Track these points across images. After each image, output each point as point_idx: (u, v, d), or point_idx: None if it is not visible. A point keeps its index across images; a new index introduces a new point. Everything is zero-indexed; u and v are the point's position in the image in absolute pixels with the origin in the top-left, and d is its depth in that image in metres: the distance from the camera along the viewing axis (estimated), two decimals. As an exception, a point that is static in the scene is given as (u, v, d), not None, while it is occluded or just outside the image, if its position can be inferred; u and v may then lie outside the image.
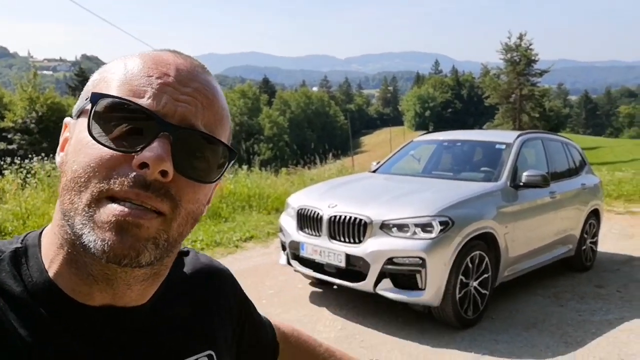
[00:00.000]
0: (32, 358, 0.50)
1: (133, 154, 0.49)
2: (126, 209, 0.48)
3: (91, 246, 0.49)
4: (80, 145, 0.51)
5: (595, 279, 5.13)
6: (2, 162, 8.18)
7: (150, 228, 0.50)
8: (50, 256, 0.55)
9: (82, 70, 48.34)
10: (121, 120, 0.50)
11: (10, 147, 21.59)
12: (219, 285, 0.75)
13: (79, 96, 0.57)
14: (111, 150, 0.49)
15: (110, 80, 0.54)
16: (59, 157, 0.56)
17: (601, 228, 5.90)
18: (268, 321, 0.86)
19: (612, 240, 6.74)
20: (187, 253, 0.74)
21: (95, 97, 0.51)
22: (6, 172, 7.77)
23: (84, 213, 0.49)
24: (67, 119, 0.59)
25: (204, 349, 0.66)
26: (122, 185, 0.48)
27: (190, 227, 0.56)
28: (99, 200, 0.49)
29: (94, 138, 0.50)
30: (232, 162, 0.58)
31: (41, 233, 0.59)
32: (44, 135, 22.82)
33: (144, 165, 0.49)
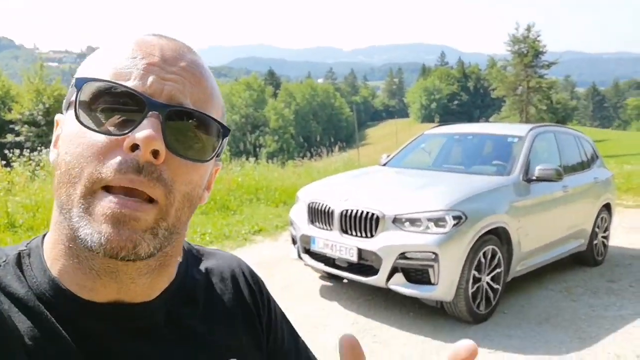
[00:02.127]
0: (39, 358, 0.49)
1: (123, 137, 0.48)
2: (122, 201, 0.47)
3: (88, 239, 0.47)
4: (70, 136, 0.50)
5: (607, 273, 5.09)
6: (11, 155, 8.21)
7: (148, 219, 0.49)
8: (52, 255, 0.54)
9: (88, 62, 48.14)
10: (109, 104, 0.49)
11: (17, 139, 21.68)
12: (245, 286, 0.72)
13: None
14: (102, 136, 0.48)
15: (94, 67, 0.52)
16: (52, 154, 0.55)
17: (612, 222, 5.85)
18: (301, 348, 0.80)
19: (622, 234, 6.68)
20: (198, 252, 0.71)
21: (80, 82, 0.50)
22: (15, 165, 7.81)
23: (79, 205, 0.48)
24: (58, 116, 0.57)
25: (228, 356, 0.62)
26: (115, 171, 0.47)
27: (189, 211, 0.54)
28: (93, 190, 0.48)
29: (82, 124, 0.49)
30: (226, 138, 0.56)
31: (45, 236, 0.58)
32: (51, 127, 22.81)
33: (135, 147, 0.47)
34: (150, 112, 0.48)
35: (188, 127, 0.52)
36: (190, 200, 0.53)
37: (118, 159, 0.47)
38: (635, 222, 7.57)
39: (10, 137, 21.83)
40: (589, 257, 5.31)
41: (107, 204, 0.47)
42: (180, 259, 0.65)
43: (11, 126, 23.10)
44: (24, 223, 5.72)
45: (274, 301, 0.78)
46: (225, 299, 0.67)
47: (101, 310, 0.53)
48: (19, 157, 8.03)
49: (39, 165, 7.78)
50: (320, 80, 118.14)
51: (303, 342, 0.81)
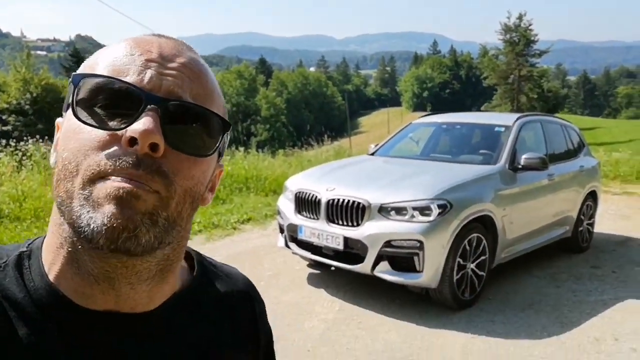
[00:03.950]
0: None
1: (121, 131, 0.48)
2: (122, 181, 0.47)
3: (91, 223, 0.47)
4: (69, 133, 0.50)
5: (591, 259, 5.17)
6: (-3, 145, 8.11)
7: (147, 201, 0.48)
8: (50, 259, 0.53)
9: (77, 50, 47.36)
10: (107, 99, 0.49)
11: (4, 128, 21.41)
12: (251, 310, 0.71)
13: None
14: (99, 131, 0.48)
15: (94, 65, 0.52)
16: (52, 157, 0.55)
17: (598, 209, 5.92)
18: None
19: (608, 221, 6.78)
20: (211, 267, 0.69)
21: (77, 78, 0.50)
22: (1, 155, 7.72)
23: (79, 195, 0.48)
24: (58, 120, 0.57)
25: None
26: (114, 165, 0.47)
27: (190, 208, 0.53)
28: (92, 181, 0.47)
29: (79, 120, 0.49)
30: (227, 134, 0.56)
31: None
32: (38, 116, 22.60)
33: (133, 141, 0.47)
34: (149, 107, 0.48)
35: (187, 121, 0.51)
36: (192, 196, 0.53)
37: (116, 153, 0.47)
38: (621, 209, 7.68)
39: (-3, 127, 21.57)
40: (574, 243, 5.38)
41: (108, 185, 0.47)
42: (184, 265, 0.63)
43: (-2, 115, 22.79)
44: (10, 213, 5.68)
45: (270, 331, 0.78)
46: (229, 322, 0.66)
47: (98, 319, 0.52)
48: (5, 147, 7.94)
49: (25, 155, 7.70)
50: (312, 69, 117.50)
51: None
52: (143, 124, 0.47)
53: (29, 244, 0.57)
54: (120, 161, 0.47)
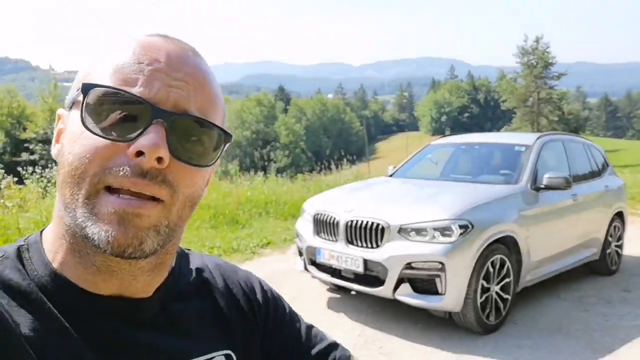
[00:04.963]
0: (41, 350, 0.49)
1: (128, 142, 0.50)
2: (125, 201, 0.49)
3: (95, 238, 0.49)
4: (74, 136, 0.52)
5: (621, 283, 4.97)
6: (24, 172, 8.35)
7: (150, 216, 0.51)
8: (54, 248, 0.55)
9: (101, 81, 49.03)
10: (114, 109, 0.51)
11: (32, 157, 22.06)
12: (238, 284, 0.74)
13: None
14: (106, 140, 0.50)
15: (101, 70, 0.54)
16: (54, 149, 0.57)
17: (626, 231, 5.73)
18: (321, 335, 0.80)
19: (637, 244, 6.55)
20: (184, 250, 0.73)
21: (87, 88, 0.51)
22: (28, 182, 7.93)
23: (84, 205, 0.50)
24: (60, 110, 0.59)
25: (221, 348, 0.65)
26: (119, 175, 0.49)
27: (189, 210, 0.56)
28: (97, 191, 0.50)
29: (87, 129, 0.50)
30: (228, 144, 0.58)
31: (42, 232, 0.59)
32: (64, 145, 23.32)
33: (140, 153, 0.49)
34: (156, 120, 0.50)
35: (191, 134, 0.54)
36: (191, 200, 0.56)
37: (122, 162, 0.49)
38: (650, 231, 7.42)
39: (25, 156, 22.23)
40: (602, 266, 5.20)
41: (111, 203, 0.49)
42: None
43: (26, 145, 23.53)
44: (34, 238, 5.78)
45: (276, 297, 0.79)
46: (216, 296, 0.69)
47: (103, 303, 0.55)
48: (31, 174, 8.16)
49: (50, 182, 7.89)
50: (330, 96, 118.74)
51: (308, 327, 0.81)
52: (151, 139, 0.49)
53: (25, 239, 0.59)
54: (127, 171, 0.49)
